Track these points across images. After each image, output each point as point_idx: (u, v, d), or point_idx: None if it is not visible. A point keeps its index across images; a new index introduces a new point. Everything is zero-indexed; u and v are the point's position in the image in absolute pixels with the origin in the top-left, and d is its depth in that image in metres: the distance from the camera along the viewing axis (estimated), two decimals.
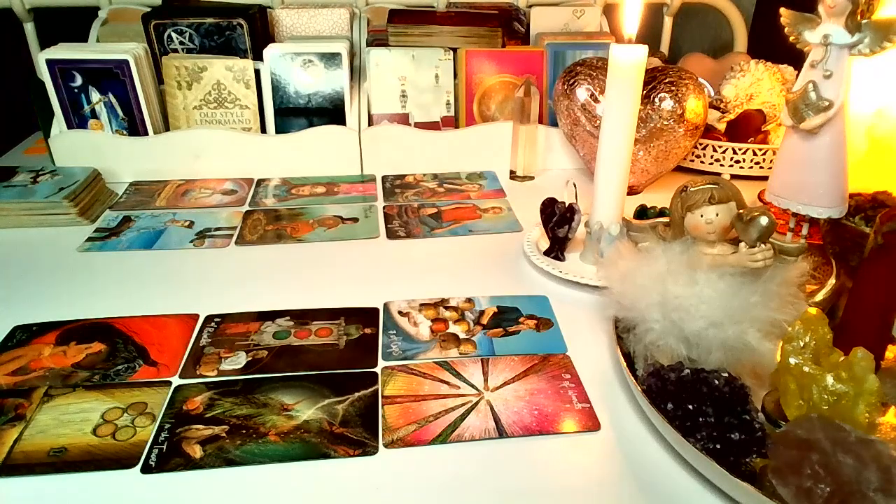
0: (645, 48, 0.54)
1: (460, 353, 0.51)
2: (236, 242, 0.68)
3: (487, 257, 0.66)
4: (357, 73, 0.89)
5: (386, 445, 0.42)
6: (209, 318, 0.55)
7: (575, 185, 0.63)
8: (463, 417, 0.44)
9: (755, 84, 0.84)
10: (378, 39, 0.90)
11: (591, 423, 0.44)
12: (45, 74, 0.78)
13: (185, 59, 0.82)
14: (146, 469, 0.40)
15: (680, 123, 0.73)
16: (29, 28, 0.96)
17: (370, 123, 0.86)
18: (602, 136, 0.57)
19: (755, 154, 0.81)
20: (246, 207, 0.76)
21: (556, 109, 0.81)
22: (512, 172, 0.85)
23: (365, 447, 0.42)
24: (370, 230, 0.71)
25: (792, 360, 0.40)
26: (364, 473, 0.40)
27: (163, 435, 0.42)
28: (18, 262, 0.64)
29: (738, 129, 0.84)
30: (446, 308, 0.57)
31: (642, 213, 0.72)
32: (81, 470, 0.40)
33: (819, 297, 0.53)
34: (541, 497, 0.39)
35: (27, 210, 0.70)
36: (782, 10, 0.52)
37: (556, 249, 0.63)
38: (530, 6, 0.97)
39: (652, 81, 0.73)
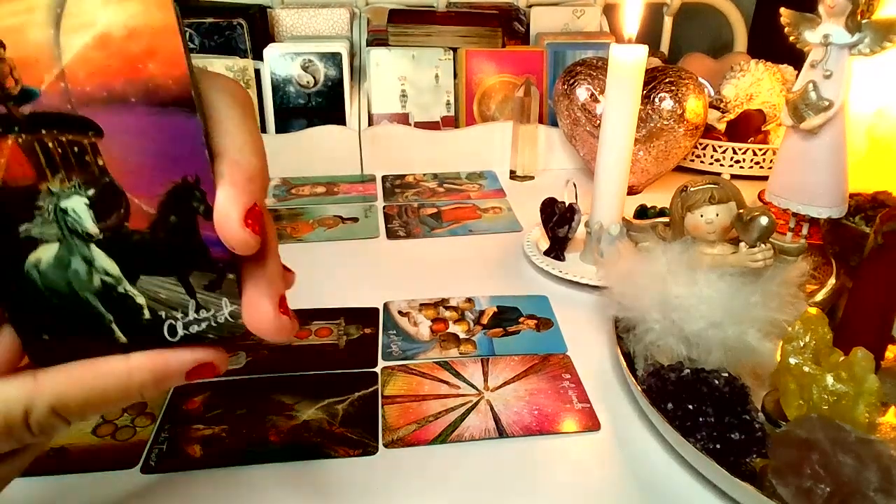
0: (645, 48, 0.53)
1: (460, 353, 0.51)
2: None
3: (487, 257, 0.66)
4: (357, 73, 0.89)
5: (386, 445, 0.42)
6: None
7: (575, 185, 0.63)
8: (463, 417, 0.44)
9: (755, 84, 0.84)
10: (378, 39, 0.90)
11: (591, 423, 0.44)
12: None
13: None
14: (146, 469, 0.40)
15: (680, 123, 0.73)
16: None
17: (370, 123, 0.86)
18: (602, 136, 0.57)
19: (755, 154, 0.81)
20: None
21: (556, 109, 0.81)
22: (512, 172, 0.85)
23: (365, 447, 0.42)
24: (370, 230, 0.71)
25: (792, 360, 0.40)
26: (364, 473, 0.40)
27: (163, 435, 0.42)
28: None
29: (738, 129, 0.84)
30: (446, 308, 0.57)
31: (642, 213, 0.72)
32: (81, 470, 0.40)
33: (819, 297, 0.53)
34: (540, 497, 0.39)
35: None
36: (782, 10, 0.52)
37: (556, 249, 0.63)
38: (530, 6, 0.97)
39: (652, 81, 0.74)
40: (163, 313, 0.23)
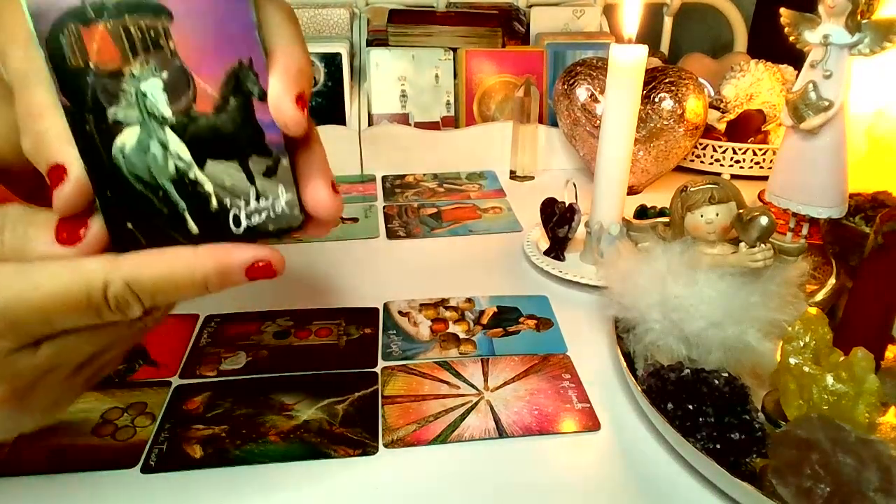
0: (645, 48, 0.53)
1: (460, 353, 0.51)
2: None
3: (487, 257, 0.66)
4: (357, 73, 0.89)
5: (386, 445, 0.42)
6: (209, 318, 0.55)
7: (575, 185, 0.63)
8: (463, 417, 0.44)
9: (755, 84, 0.84)
10: (378, 39, 0.90)
11: (591, 423, 0.44)
12: None
13: None
14: (146, 469, 0.40)
15: (680, 123, 0.73)
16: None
17: (370, 123, 0.86)
18: (602, 136, 0.57)
19: (755, 154, 0.81)
20: None
21: (556, 109, 0.81)
22: (512, 172, 0.85)
23: (365, 447, 0.42)
24: (370, 230, 0.71)
25: (792, 360, 0.40)
26: (364, 473, 0.40)
27: (163, 435, 0.42)
28: None
29: (738, 129, 0.84)
30: (446, 308, 0.57)
31: (642, 213, 0.72)
32: (81, 470, 0.40)
33: (819, 297, 0.53)
34: (540, 497, 0.39)
35: None
36: (782, 10, 0.52)
37: (556, 249, 0.63)
38: (530, 6, 0.97)
39: (652, 81, 0.74)
40: (228, 201, 0.25)
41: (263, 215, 0.25)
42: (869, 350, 0.38)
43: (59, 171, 0.23)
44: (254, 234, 0.26)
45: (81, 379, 0.28)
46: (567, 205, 0.63)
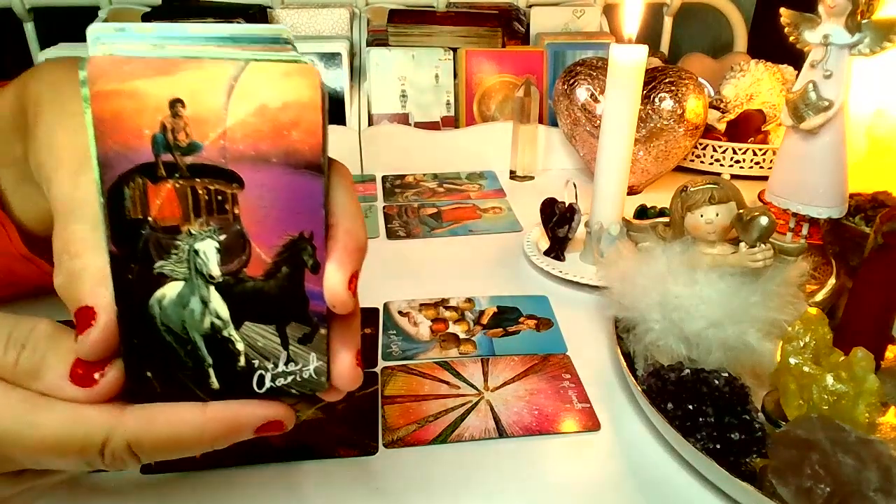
0: (645, 48, 0.54)
1: (460, 353, 0.51)
2: None
3: (487, 257, 0.66)
4: (357, 73, 0.89)
5: (386, 445, 0.42)
6: None
7: (575, 185, 0.63)
8: (463, 417, 0.44)
9: (755, 84, 0.84)
10: (378, 39, 0.90)
11: (591, 423, 0.44)
12: None
13: None
14: (146, 469, 0.40)
15: (680, 123, 0.73)
16: (29, 28, 0.96)
17: (370, 123, 0.86)
18: (602, 136, 0.57)
19: (755, 154, 0.81)
20: None
21: (556, 109, 0.81)
22: (512, 172, 0.85)
23: (365, 447, 0.42)
24: (370, 230, 0.71)
25: (792, 360, 0.40)
26: (364, 473, 0.40)
27: None
28: None
29: (738, 129, 0.84)
30: (446, 308, 0.57)
31: (642, 213, 0.72)
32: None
33: (819, 297, 0.53)
34: (540, 497, 0.39)
35: None
36: (782, 10, 0.52)
37: (556, 249, 0.63)
38: (530, 6, 0.97)
39: (652, 81, 0.74)
40: (256, 362, 0.25)
41: (289, 379, 0.25)
42: (869, 350, 0.38)
43: (88, 314, 0.23)
44: (274, 395, 0.25)
45: (57, 484, 0.28)
46: (567, 205, 0.63)
